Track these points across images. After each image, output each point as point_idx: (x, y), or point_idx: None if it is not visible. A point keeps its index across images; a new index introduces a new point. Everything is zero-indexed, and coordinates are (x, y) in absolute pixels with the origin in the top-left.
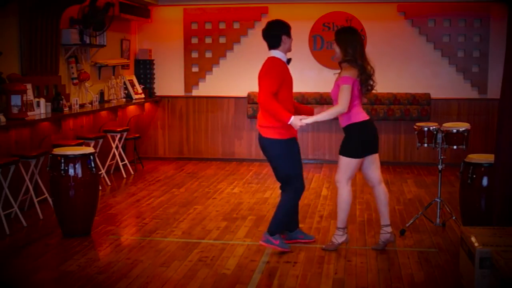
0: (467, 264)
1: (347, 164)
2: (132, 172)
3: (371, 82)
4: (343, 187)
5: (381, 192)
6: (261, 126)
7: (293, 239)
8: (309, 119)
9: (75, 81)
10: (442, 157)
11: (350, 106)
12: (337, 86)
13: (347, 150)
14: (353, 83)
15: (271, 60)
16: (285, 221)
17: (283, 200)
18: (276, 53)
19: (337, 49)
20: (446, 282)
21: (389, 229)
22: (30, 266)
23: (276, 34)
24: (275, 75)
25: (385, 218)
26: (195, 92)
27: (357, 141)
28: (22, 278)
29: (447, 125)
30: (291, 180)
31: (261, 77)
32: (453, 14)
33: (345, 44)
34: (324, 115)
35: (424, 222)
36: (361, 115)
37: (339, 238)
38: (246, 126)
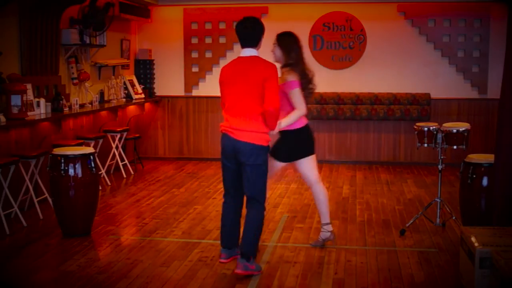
0: (467, 264)
1: (310, 163)
2: (132, 172)
3: (311, 86)
4: (317, 185)
5: (319, 191)
6: (250, 131)
7: (232, 256)
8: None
9: (75, 81)
10: (442, 157)
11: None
12: (282, 92)
13: (304, 150)
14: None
15: (267, 62)
16: (258, 239)
17: (253, 216)
18: (256, 53)
19: (278, 52)
20: (446, 282)
21: (329, 227)
22: (30, 266)
23: (260, 33)
24: None
25: (325, 217)
26: (195, 92)
27: (310, 139)
28: (22, 278)
29: (447, 125)
30: (263, 191)
31: (270, 80)
32: (453, 14)
33: (288, 47)
34: (288, 120)
35: (424, 222)
36: (304, 119)
37: (329, 228)
38: None
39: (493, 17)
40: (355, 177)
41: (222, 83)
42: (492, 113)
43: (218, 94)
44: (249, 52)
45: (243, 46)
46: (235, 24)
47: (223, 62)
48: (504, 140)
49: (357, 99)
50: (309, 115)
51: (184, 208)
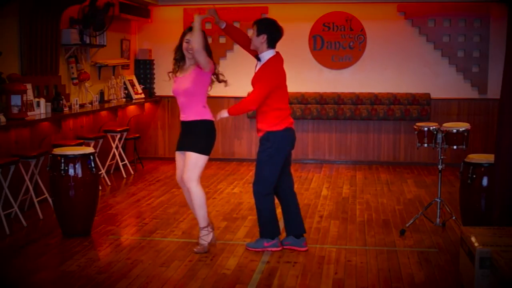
0: (467, 264)
1: (198, 161)
2: (132, 172)
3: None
4: (195, 185)
5: (187, 192)
6: None
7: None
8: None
9: (75, 81)
10: (442, 157)
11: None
12: None
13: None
14: None
15: None
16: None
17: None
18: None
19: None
20: (446, 282)
21: (206, 230)
22: (30, 266)
23: None
24: None
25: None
26: None
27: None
28: (22, 278)
29: (447, 125)
30: None
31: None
32: (453, 14)
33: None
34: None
35: (424, 222)
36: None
37: (206, 238)
38: (246, 126)
39: (493, 17)
40: (355, 177)
41: (281, 82)
42: (492, 113)
43: (218, 94)
44: (274, 52)
45: (274, 47)
46: (235, 24)
47: (223, 62)
48: (504, 140)
49: (357, 99)
50: None
51: (184, 208)
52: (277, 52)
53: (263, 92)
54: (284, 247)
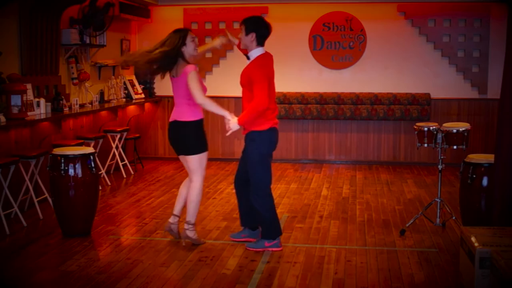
0: (467, 264)
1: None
2: (132, 172)
3: None
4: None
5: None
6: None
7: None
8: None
9: (75, 81)
10: (442, 157)
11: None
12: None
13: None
14: None
15: None
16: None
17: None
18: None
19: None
20: (446, 282)
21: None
22: (30, 266)
23: None
24: None
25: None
26: None
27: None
28: (22, 278)
29: (447, 125)
30: None
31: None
32: (453, 14)
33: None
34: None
35: (424, 222)
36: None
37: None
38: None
39: (493, 17)
40: (355, 177)
41: (271, 78)
42: (492, 113)
43: (218, 94)
44: (263, 50)
45: (263, 44)
46: (235, 24)
47: (223, 63)
48: (504, 140)
49: (357, 99)
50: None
51: (184, 208)
52: (266, 51)
53: (264, 90)
54: (241, 239)
